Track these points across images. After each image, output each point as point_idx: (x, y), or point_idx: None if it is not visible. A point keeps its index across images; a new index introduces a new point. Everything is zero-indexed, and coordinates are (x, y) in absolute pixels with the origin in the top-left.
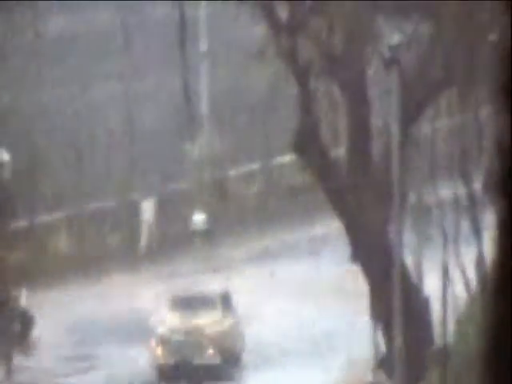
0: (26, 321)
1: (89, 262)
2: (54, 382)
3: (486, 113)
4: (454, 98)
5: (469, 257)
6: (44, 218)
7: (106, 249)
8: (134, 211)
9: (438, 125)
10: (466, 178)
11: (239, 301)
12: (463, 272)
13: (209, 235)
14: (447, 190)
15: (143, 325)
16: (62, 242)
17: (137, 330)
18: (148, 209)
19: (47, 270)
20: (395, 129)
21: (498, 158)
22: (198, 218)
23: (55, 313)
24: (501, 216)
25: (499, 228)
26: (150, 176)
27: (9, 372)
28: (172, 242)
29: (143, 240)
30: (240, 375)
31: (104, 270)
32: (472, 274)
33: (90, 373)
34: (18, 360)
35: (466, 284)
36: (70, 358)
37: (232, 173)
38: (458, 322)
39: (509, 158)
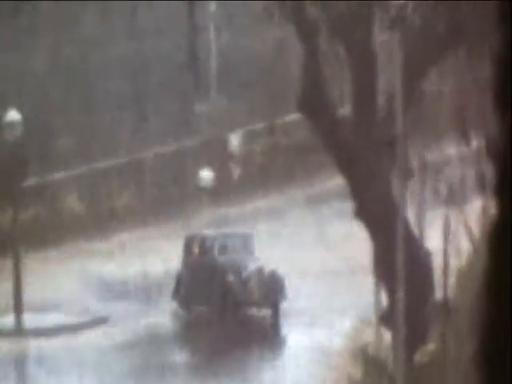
0: None
1: (99, 220)
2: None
3: (489, 73)
4: (458, 58)
5: (471, 212)
6: (56, 176)
7: (114, 207)
8: (142, 169)
9: (442, 84)
10: (469, 136)
11: None
12: (466, 226)
13: (215, 192)
14: (452, 148)
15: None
16: (73, 201)
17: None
18: (235, 142)
19: (59, 229)
20: (399, 88)
21: (498, 118)
22: (205, 176)
23: (68, 271)
24: (500, 172)
25: (498, 184)
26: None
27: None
28: (179, 199)
29: (234, 174)
30: None
31: (114, 228)
32: (474, 228)
33: (98, 329)
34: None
35: (470, 239)
36: (79, 312)
37: (238, 131)
38: (459, 276)
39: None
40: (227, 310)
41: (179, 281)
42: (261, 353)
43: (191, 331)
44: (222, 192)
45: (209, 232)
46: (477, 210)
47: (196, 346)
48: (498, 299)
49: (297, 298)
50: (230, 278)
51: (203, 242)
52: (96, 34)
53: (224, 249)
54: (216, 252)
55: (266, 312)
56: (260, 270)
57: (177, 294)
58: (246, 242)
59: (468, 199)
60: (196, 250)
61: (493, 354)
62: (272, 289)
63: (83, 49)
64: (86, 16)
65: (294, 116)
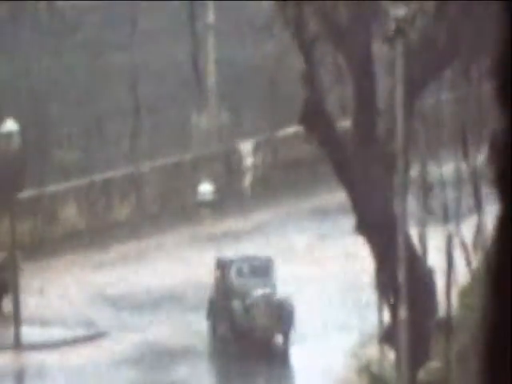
0: None
1: (97, 232)
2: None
3: (490, 86)
4: (458, 72)
5: (470, 230)
6: (54, 188)
7: (113, 219)
8: (142, 181)
9: (442, 98)
10: (468, 152)
11: None
12: (464, 245)
13: (215, 206)
14: (450, 164)
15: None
16: (72, 212)
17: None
18: (247, 151)
19: (56, 240)
20: (400, 102)
21: (499, 114)
22: (205, 189)
23: (67, 283)
24: (502, 171)
25: (500, 183)
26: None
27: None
28: (179, 212)
29: (246, 182)
30: None
31: (113, 240)
32: (472, 247)
33: (98, 343)
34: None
35: (467, 258)
36: (78, 326)
37: (238, 144)
38: (461, 294)
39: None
40: (234, 334)
41: (211, 302)
42: (268, 374)
43: (210, 350)
44: (222, 205)
45: (228, 255)
46: (475, 228)
47: (205, 365)
48: (498, 301)
49: (299, 315)
50: (235, 303)
51: (223, 265)
52: (95, 45)
53: (241, 273)
54: (232, 276)
55: (277, 337)
56: (268, 297)
57: (208, 314)
58: (264, 267)
59: (467, 217)
60: (218, 273)
61: (494, 357)
62: (280, 316)
63: (82, 60)
64: (85, 27)
65: (295, 128)
